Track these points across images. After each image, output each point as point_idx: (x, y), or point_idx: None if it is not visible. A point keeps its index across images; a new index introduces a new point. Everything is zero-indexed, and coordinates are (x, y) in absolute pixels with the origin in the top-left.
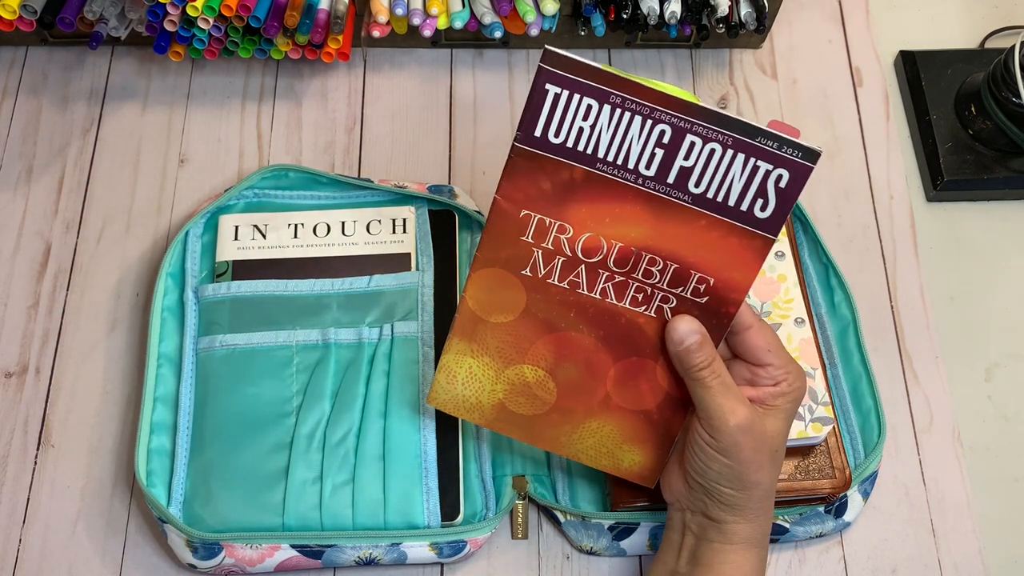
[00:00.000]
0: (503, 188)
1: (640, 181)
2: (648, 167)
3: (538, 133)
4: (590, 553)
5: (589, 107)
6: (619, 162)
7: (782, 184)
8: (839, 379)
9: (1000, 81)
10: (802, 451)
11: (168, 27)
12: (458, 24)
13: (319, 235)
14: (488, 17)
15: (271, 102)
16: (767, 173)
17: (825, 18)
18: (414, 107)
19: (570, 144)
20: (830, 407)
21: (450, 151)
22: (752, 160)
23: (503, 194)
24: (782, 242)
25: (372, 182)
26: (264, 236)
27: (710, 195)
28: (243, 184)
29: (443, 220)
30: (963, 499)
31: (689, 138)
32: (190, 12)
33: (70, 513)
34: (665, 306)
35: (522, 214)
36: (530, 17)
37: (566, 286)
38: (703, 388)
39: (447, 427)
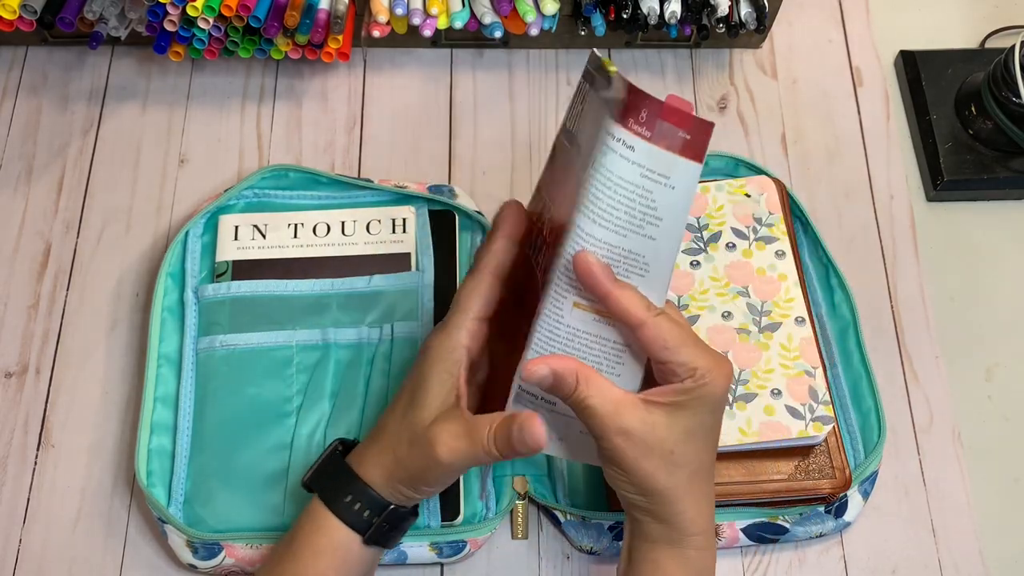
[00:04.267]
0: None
1: None
2: None
3: None
4: (590, 553)
5: None
6: None
7: None
8: (839, 379)
9: (1000, 81)
10: (802, 451)
11: (168, 27)
12: (458, 24)
13: (319, 235)
14: (488, 17)
15: (271, 102)
16: None
17: (825, 18)
18: (414, 107)
19: None
20: (830, 406)
21: (450, 151)
22: None
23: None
24: (782, 241)
25: (372, 182)
26: (264, 236)
27: None
28: (243, 184)
29: (443, 220)
30: (963, 499)
31: None
32: (190, 12)
33: (70, 513)
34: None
35: None
36: (530, 17)
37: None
38: (578, 411)
39: None
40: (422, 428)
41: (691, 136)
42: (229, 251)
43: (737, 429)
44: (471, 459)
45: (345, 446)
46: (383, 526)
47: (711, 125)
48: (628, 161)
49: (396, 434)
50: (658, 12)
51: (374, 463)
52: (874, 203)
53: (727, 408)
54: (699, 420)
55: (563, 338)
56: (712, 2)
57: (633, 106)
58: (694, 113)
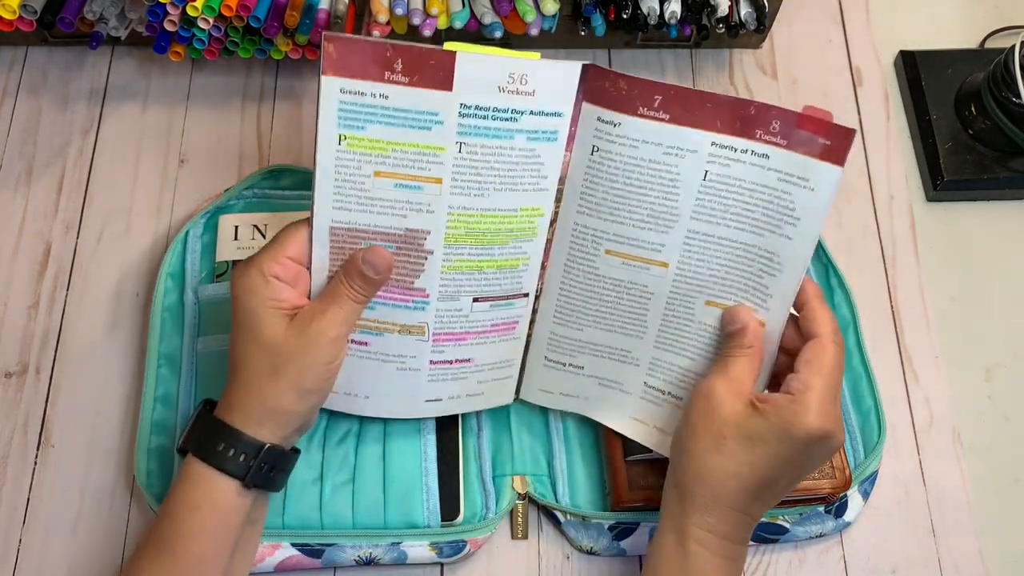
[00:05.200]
0: None
1: None
2: None
3: None
4: (590, 553)
5: None
6: None
7: None
8: None
9: (1000, 81)
10: None
11: (168, 27)
12: (458, 24)
13: None
14: (488, 17)
15: (271, 102)
16: None
17: (825, 18)
18: None
19: None
20: None
21: None
22: None
23: None
24: None
25: None
26: (264, 236)
27: None
28: (243, 184)
29: None
30: (963, 499)
31: None
32: (190, 12)
33: (70, 513)
34: None
35: None
36: (530, 17)
37: None
38: (717, 361)
39: (447, 427)
40: (278, 347)
41: (832, 142)
42: (229, 251)
43: None
44: (343, 316)
45: (212, 405)
46: (262, 467)
47: (852, 132)
48: (763, 168)
49: (255, 372)
50: (658, 12)
51: (240, 409)
52: (874, 203)
53: None
54: (765, 436)
55: (693, 334)
56: (712, 2)
57: (759, 120)
58: (833, 120)
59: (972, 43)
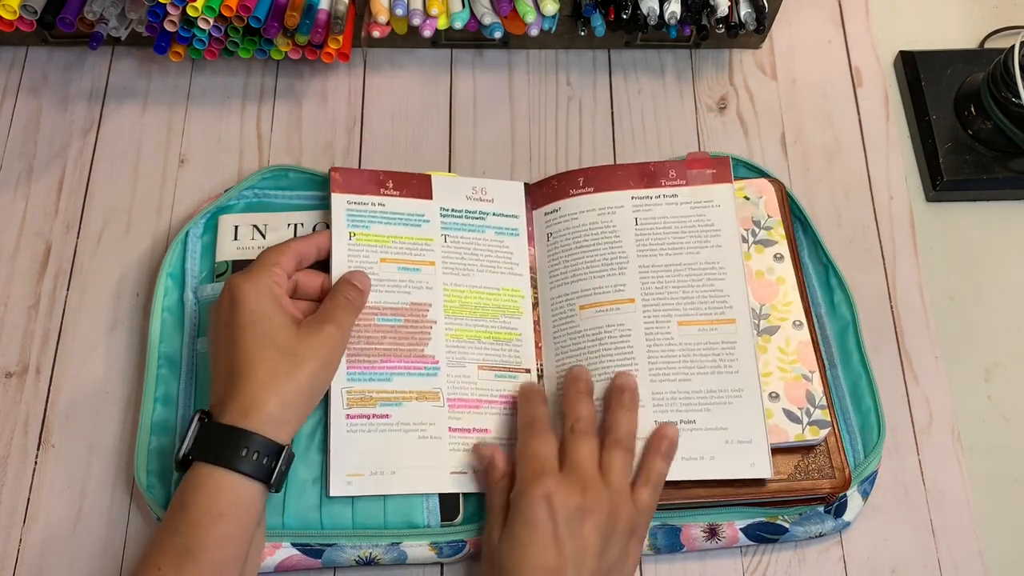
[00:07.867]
0: None
1: None
2: None
3: None
4: None
5: None
6: None
7: None
8: (839, 379)
9: (1000, 81)
10: (802, 451)
11: (168, 27)
12: (458, 24)
13: None
14: (488, 17)
15: (271, 102)
16: None
17: (825, 18)
18: (414, 107)
19: None
20: (827, 410)
21: (450, 151)
22: None
23: None
24: (781, 244)
25: None
26: (264, 236)
27: None
28: (243, 184)
29: None
30: (963, 499)
31: None
32: (190, 12)
33: (70, 513)
34: None
35: None
36: (530, 17)
37: None
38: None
39: None
40: (293, 348)
41: (716, 170)
42: (229, 251)
43: None
44: (347, 320)
45: (207, 414)
46: (283, 469)
47: (728, 158)
48: (676, 204)
49: (272, 373)
50: (658, 12)
51: (258, 411)
52: (874, 203)
53: None
54: (516, 535)
55: (679, 355)
56: (712, 2)
57: (659, 173)
58: (709, 155)
59: (972, 43)
